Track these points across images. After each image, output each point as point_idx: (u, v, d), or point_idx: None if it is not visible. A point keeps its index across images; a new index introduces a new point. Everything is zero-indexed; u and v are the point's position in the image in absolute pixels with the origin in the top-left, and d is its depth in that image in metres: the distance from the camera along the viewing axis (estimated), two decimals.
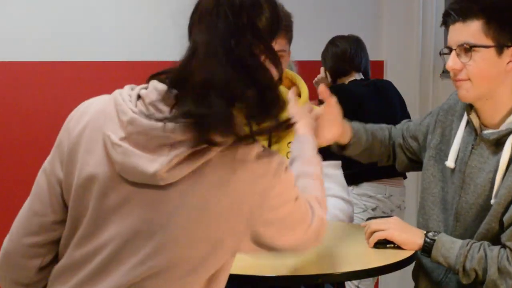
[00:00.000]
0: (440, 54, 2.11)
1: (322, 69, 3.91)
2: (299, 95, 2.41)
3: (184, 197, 1.42)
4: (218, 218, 1.43)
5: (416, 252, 2.06)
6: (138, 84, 1.54)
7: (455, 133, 2.16)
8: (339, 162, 2.50)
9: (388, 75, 4.50)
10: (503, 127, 2.05)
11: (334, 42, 3.82)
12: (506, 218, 1.98)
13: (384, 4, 4.55)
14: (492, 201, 2.01)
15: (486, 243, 2.00)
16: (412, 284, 2.35)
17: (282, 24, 1.52)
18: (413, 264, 2.23)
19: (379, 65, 4.52)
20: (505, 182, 2.00)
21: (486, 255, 1.97)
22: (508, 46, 2.00)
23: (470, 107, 2.13)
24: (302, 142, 1.80)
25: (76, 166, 1.48)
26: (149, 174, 1.40)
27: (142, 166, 1.41)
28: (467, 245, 2.00)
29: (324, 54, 3.89)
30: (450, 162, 2.14)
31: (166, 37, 4.20)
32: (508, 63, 2.02)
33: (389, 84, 3.93)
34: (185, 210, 1.42)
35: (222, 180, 1.42)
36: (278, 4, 1.53)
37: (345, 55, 3.78)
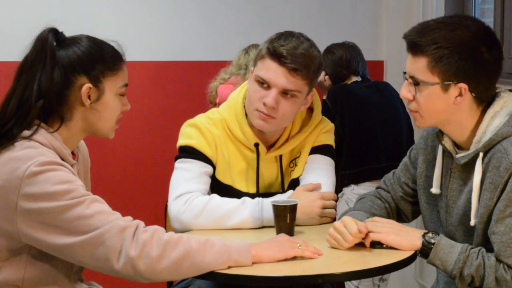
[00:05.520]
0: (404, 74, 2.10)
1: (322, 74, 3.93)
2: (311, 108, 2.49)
3: None
4: None
5: (416, 252, 2.05)
6: None
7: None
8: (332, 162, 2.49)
9: (388, 75, 4.49)
10: (472, 148, 2.05)
11: (330, 49, 3.89)
12: (489, 232, 1.99)
13: (384, 4, 4.55)
14: (472, 222, 2.03)
15: (483, 249, 2.01)
16: (412, 284, 2.35)
17: None
18: (413, 265, 2.22)
19: (379, 65, 4.51)
20: (482, 201, 2.01)
21: (484, 263, 1.98)
22: (455, 83, 1.99)
23: (441, 133, 2.13)
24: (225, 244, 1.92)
25: None
26: None
27: None
28: (465, 251, 2.00)
29: None
30: (434, 189, 2.17)
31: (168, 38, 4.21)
32: (456, 98, 2.01)
33: (388, 85, 3.96)
34: None
35: None
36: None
37: (341, 60, 3.87)
